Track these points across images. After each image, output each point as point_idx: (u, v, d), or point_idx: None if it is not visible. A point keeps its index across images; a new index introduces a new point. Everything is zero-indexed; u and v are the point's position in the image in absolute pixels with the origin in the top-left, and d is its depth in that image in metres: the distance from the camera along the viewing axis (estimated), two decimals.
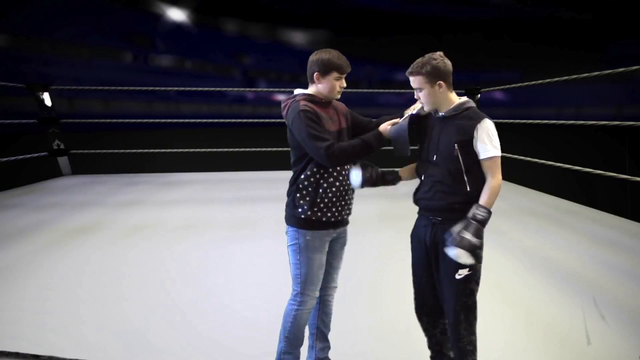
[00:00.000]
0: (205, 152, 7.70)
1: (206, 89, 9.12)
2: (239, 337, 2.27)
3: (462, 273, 1.91)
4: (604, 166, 4.73)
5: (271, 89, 12.11)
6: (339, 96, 2.15)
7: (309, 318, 2.19)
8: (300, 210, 2.07)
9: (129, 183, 7.48)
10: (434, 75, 1.90)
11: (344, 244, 2.26)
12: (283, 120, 2.13)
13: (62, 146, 7.94)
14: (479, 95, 7.64)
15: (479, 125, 1.89)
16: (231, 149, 7.66)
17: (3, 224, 4.93)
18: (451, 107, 1.95)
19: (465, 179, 1.90)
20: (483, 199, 1.88)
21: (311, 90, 2.13)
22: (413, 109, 2.08)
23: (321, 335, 2.28)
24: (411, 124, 2.05)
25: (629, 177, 4.33)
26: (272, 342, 2.31)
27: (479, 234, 1.82)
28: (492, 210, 1.87)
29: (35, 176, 7.69)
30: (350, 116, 2.25)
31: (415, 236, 2.10)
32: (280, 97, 2.30)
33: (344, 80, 2.14)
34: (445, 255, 1.88)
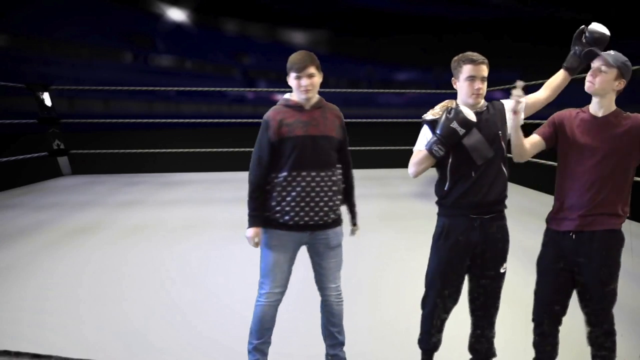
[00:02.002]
0: (205, 152, 7.71)
1: (206, 89, 9.12)
2: (239, 337, 2.27)
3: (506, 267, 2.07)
4: None
5: (271, 89, 12.11)
6: (308, 95, 2.10)
7: (272, 313, 2.20)
8: (265, 208, 2.15)
9: (129, 183, 7.48)
10: None
11: (328, 244, 2.20)
12: None
13: (62, 146, 7.95)
14: None
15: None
16: (231, 149, 7.66)
17: (3, 224, 4.94)
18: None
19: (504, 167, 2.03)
20: None
21: (293, 95, 2.18)
22: (443, 110, 2.00)
23: (329, 334, 2.31)
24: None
25: None
26: (271, 341, 2.31)
27: None
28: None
29: (35, 176, 7.69)
30: (342, 129, 2.23)
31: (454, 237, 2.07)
32: (279, 96, 2.28)
33: (305, 79, 2.07)
34: (495, 251, 2.03)
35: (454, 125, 1.89)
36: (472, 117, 1.90)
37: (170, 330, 2.69)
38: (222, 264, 3.73)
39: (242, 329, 2.33)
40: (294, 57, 2.10)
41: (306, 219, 2.10)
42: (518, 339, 2.52)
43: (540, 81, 6.19)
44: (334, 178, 2.15)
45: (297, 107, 2.12)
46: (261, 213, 2.15)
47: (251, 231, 2.15)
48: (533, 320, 2.22)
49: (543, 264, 2.17)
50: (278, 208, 2.10)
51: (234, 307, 2.93)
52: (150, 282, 3.38)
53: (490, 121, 2.01)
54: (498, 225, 2.03)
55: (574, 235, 2.02)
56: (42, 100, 7.60)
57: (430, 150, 1.94)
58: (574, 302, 2.95)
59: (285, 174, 2.08)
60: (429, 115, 2.02)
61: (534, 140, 2.08)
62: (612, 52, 1.97)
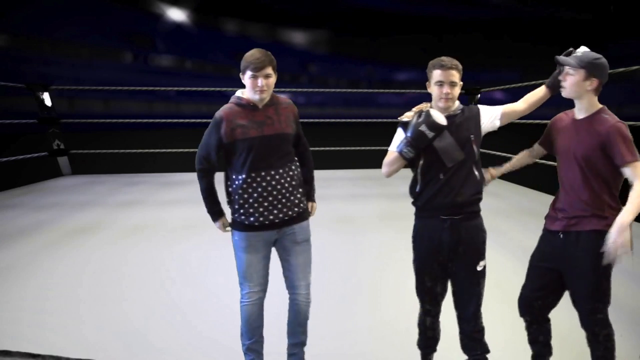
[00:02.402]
0: None
1: (206, 89, 9.12)
2: (239, 337, 2.27)
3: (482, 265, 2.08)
4: None
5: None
6: (262, 96, 2.06)
7: (257, 312, 2.21)
8: (231, 211, 2.17)
9: (129, 183, 7.48)
10: None
11: (294, 240, 2.19)
12: None
13: (62, 146, 7.95)
14: (478, 95, 7.64)
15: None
16: None
17: (3, 224, 4.94)
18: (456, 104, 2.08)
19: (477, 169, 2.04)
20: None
21: (245, 92, 2.13)
22: (415, 113, 2.02)
23: (293, 332, 2.29)
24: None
25: None
26: (271, 342, 2.31)
27: None
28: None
29: (35, 176, 7.69)
30: (296, 123, 2.21)
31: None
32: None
33: (261, 79, 2.03)
34: (469, 250, 2.04)
35: (423, 128, 1.92)
36: (442, 120, 1.92)
37: (170, 330, 2.69)
38: (222, 264, 3.73)
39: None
40: (251, 55, 2.05)
41: (271, 217, 2.10)
42: (518, 339, 2.52)
43: (540, 81, 6.19)
44: (291, 173, 2.13)
45: (250, 106, 2.08)
46: (218, 207, 2.20)
47: (217, 223, 2.23)
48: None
49: (531, 261, 2.20)
50: (242, 210, 2.10)
51: (234, 307, 2.92)
52: (150, 282, 3.38)
53: (463, 125, 2.02)
54: (471, 225, 2.04)
55: (562, 235, 2.03)
56: (42, 100, 7.60)
57: (400, 152, 1.99)
58: (567, 299, 2.95)
59: (244, 176, 2.07)
60: (404, 118, 2.04)
61: (535, 148, 2.33)
62: (580, 52, 1.98)
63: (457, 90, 2.01)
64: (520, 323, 2.69)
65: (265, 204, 2.08)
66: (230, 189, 2.15)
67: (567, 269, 2.04)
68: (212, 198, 2.20)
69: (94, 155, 8.27)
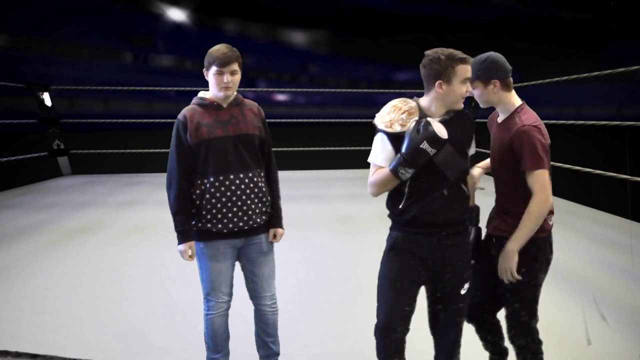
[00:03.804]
0: None
1: (206, 89, 9.12)
2: (239, 337, 2.27)
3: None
4: (604, 166, 4.73)
5: (271, 89, 12.11)
6: (227, 93, 1.98)
7: (224, 323, 2.14)
8: (194, 221, 2.05)
9: (129, 183, 7.48)
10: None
11: (260, 250, 2.11)
12: (282, 120, 2.11)
13: (62, 146, 7.95)
14: None
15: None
16: None
17: (3, 224, 4.94)
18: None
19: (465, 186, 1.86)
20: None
21: (208, 93, 2.06)
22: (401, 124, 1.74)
23: (262, 344, 2.21)
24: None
25: (629, 177, 4.33)
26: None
27: None
28: None
29: (35, 176, 7.69)
30: (263, 126, 2.10)
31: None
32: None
33: (227, 75, 1.94)
34: (454, 271, 1.83)
35: (425, 145, 1.63)
36: (444, 133, 1.66)
37: (170, 330, 2.69)
38: None
39: (242, 329, 2.34)
40: (217, 51, 1.96)
41: (240, 224, 2.00)
42: None
43: (540, 81, 6.22)
44: (260, 179, 2.05)
45: (214, 106, 2.01)
46: (190, 226, 2.05)
47: (183, 246, 2.06)
48: None
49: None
50: (209, 216, 1.99)
51: (234, 307, 2.92)
52: (150, 282, 3.38)
53: (458, 130, 1.76)
54: (459, 244, 1.82)
55: (494, 239, 1.95)
56: (42, 100, 7.61)
57: (395, 171, 1.69)
58: (568, 299, 2.95)
59: (211, 179, 1.96)
60: (392, 125, 1.74)
61: None
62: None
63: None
64: None
65: (234, 209, 1.98)
66: (194, 195, 2.02)
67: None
68: (187, 211, 2.04)
69: (94, 155, 8.27)
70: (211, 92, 2.03)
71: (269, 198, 2.10)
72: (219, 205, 1.98)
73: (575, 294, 3.10)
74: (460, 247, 1.84)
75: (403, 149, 1.67)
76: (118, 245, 4.23)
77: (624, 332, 2.59)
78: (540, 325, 2.68)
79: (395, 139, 1.72)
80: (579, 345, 2.45)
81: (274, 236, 2.16)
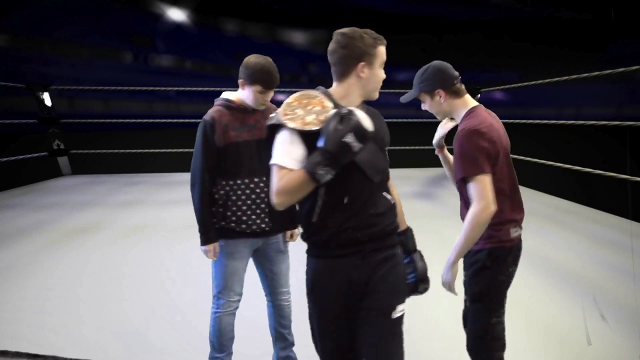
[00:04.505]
0: None
1: (206, 89, 9.11)
2: (239, 337, 2.27)
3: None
4: (604, 166, 4.73)
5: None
6: (263, 107, 2.05)
7: (232, 322, 2.17)
8: (215, 220, 2.09)
9: (129, 183, 7.48)
10: None
11: (278, 249, 2.17)
12: None
13: (62, 146, 7.95)
14: (479, 96, 7.64)
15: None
16: None
17: (3, 224, 4.93)
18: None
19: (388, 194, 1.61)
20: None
21: (234, 95, 2.08)
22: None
23: (280, 337, 2.28)
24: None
25: (629, 177, 4.33)
26: (272, 342, 2.31)
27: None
28: None
29: (35, 176, 7.69)
30: None
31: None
32: (280, 97, 2.21)
33: (269, 94, 2.01)
34: (383, 293, 1.54)
35: (349, 139, 1.33)
36: (369, 125, 1.37)
37: (170, 330, 2.69)
38: None
39: (242, 330, 2.33)
40: (265, 70, 1.96)
41: (262, 225, 2.06)
42: (518, 339, 2.52)
43: (540, 81, 6.22)
44: None
45: (240, 109, 2.04)
46: (213, 226, 2.08)
47: (207, 247, 2.10)
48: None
49: None
50: (234, 218, 2.04)
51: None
52: (150, 282, 3.38)
53: (379, 125, 1.56)
54: (388, 260, 1.55)
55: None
56: (42, 100, 7.60)
57: (312, 172, 1.35)
58: (568, 299, 2.95)
59: (238, 181, 2.02)
60: (298, 121, 1.42)
61: None
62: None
63: None
64: (520, 323, 2.70)
65: (258, 211, 2.04)
66: (216, 195, 2.06)
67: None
68: (210, 212, 2.07)
69: (94, 155, 8.27)
70: (241, 97, 2.06)
71: None
72: (244, 207, 2.03)
73: (575, 294, 3.10)
74: (392, 264, 1.56)
75: (322, 144, 1.35)
76: (118, 245, 4.23)
77: (624, 332, 2.59)
78: (540, 325, 2.68)
79: (308, 137, 1.41)
80: (579, 345, 2.46)
81: (291, 236, 2.24)
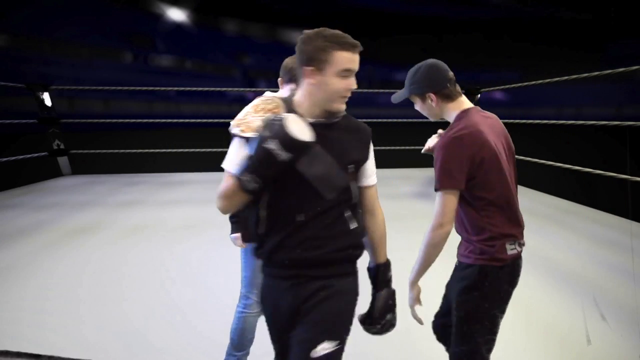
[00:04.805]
0: (205, 152, 7.70)
1: (206, 89, 9.12)
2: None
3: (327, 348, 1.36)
4: (604, 166, 4.73)
5: (271, 89, 12.12)
6: None
7: (254, 324, 2.17)
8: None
9: (129, 183, 7.48)
10: None
11: None
12: None
13: (62, 146, 7.94)
14: (479, 96, 7.64)
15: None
16: None
17: (3, 224, 4.93)
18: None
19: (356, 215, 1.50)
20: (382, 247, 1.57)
21: (275, 95, 2.10)
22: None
23: None
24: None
25: (629, 177, 4.33)
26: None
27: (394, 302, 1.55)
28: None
29: (35, 176, 7.69)
30: None
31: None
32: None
33: None
34: (315, 326, 1.40)
35: (272, 145, 1.24)
36: (305, 134, 1.26)
37: (170, 330, 2.69)
38: (222, 264, 3.73)
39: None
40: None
41: None
42: (518, 339, 2.52)
43: (540, 81, 6.21)
44: None
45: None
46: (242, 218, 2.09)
47: (237, 234, 2.12)
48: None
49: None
50: None
51: (234, 307, 2.93)
52: (150, 282, 3.38)
53: (345, 138, 1.42)
54: (325, 290, 1.41)
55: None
56: (42, 100, 7.60)
57: (238, 179, 1.31)
58: (568, 299, 2.95)
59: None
60: (243, 127, 1.39)
61: None
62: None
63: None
64: (520, 323, 2.70)
65: None
66: None
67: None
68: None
69: (94, 155, 8.27)
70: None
71: None
72: None
73: (575, 294, 3.10)
74: (327, 295, 1.41)
75: (249, 151, 1.32)
76: (118, 245, 4.23)
77: (624, 332, 2.59)
78: (540, 325, 2.68)
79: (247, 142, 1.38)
80: (579, 345, 2.46)
81: None
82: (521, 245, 1.70)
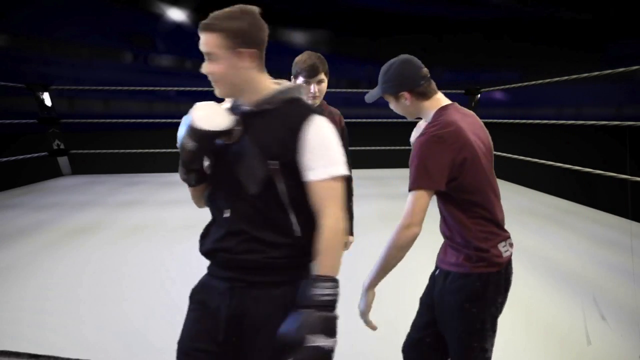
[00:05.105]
0: None
1: (206, 89, 9.13)
2: None
3: None
4: (604, 166, 4.73)
5: None
6: (314, 102, 2.00)
7: None
8: None
9: (129, 183, 7.48)
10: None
11: None
12: None
13: (62, 146, 7.95)
14: (479, 95, 7.64)
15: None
16: None
17: (3, 224, 4.93)
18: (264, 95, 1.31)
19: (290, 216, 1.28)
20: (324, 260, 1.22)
21: None
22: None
23: None
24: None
25: (629, 177, 4.33)
26: None
27: (332, 329, 1.16)
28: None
29: (35, 176, 7.69)
30: (343, 130, 2.10)
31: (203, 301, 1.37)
32: (329, 106, 2.22)
33: (314, 85, 1.96)
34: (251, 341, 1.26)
35: (181, 134, 1.26)
36: (213, 122, 1.21)
37: (170, 330, 2.68)
38: None
39: None
40: (304, 60, 1.97)
41: None
42: (518, 339, 2.52)
43: (540, 81, 6.22)
44: None
45: None
46: None
47: None
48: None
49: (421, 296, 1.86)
50: None
51: None
52: (150, 282, 3.38)
53: (272, 130, 1.25)
54: (264, 299, 1.27)
55: (437, 271, 1.67)
56: (42, 100, 7.60)
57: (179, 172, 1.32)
58: (568, 299, 2.95)
59: None
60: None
61: None
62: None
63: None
64: (520, 323, 2.70)
65: None
66: None
67: (436, 313, 1.66)
68: None
69: (94, 155, 8.27)
70: None
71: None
72: None
73: (575, 294, 3.10)
74: (271, 304, 1.27)
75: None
76: (118, 245, 4.23)
77: (624, 332, 2.59)
78: (540, 325, 2.68)
79: None
80: (579, 345, 2.46)
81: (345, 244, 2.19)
82: (512, 245, 1.62)
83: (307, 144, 1.22)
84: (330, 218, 1.23)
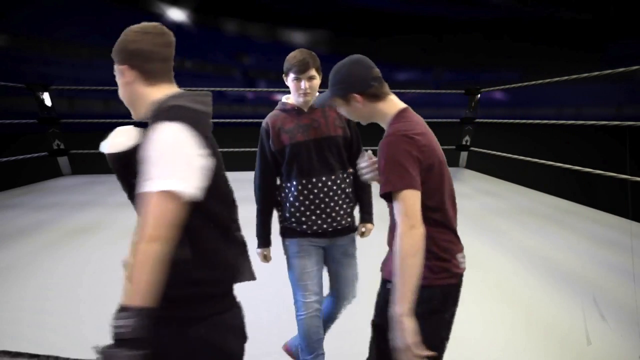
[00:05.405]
0: None
1: (206, 89, 9.14)
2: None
3: None
4: (604, 166, 4.73)
5: (271, 89, 12.12)
6: (306, 98, 1.97)
7: (316, 324, 2.11)
8: (279, 219, 2.13)
9: None
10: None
11: (345, 252, 2.16)
12: None
13: (62, 146, 7.95)
14: (479, 95, 7.64)
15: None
16: (231, 149, 7.66)
17: (3, 224, 4.93)
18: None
19: None
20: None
21: (289, 97, 2.09)
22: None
23: (328, 327, 2.30)
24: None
25: (629, 177, 4.33)
26: (272, 342, 2.31)
27: None
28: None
29: (35, 176, 7.69)
30: (350, 128, 2.09)
31: None
32: (281, 97, 2.22)
33: (304, 82, 1.94)
34: None
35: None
36: (113, 145, 1.30)
37: None
38: None
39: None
40: (293, 57, 1.96)
41: (324, 226, 2.04)
42: (518, 339, 2.52)
43: (540, 81, 6.21)
44: (344, 181, 2.06)
45: (295, 111, 2.03)
46: (267, 234, 2.14)
47: (261, 250, 2.17)
48: None
49: None
50: (293, 219, 2.04)
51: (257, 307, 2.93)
52: None
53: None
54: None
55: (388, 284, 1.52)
56: (42, 100, 7.60)
57: None
58: (568, 299, 2.96)
59: (294, 183, 2.01)
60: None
61: None
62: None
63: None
64: (520, 323, 2.70)
65: (318, 211, 2.01)
66: (278, 198, 2.10)
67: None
68: (268, 218, 2.12)
69: (94, 155, 8.26)
70: (292, 98, 2.06)
71: (353, 199, 2.13)
72: (302, 209, 2.02)
73: (575, 294, 3.10)
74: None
75: None
76: (118, 245, 4.23)
77: (624, 332, 2.59)
78: (540, 325, 2.68)
79: None
80: (579, 345, 2.46)
81: (363, 233, 2.25)
82: (464, 257, 1.51)
83: (146, 153, 1.16)
84: (141, 245, 1.11)
